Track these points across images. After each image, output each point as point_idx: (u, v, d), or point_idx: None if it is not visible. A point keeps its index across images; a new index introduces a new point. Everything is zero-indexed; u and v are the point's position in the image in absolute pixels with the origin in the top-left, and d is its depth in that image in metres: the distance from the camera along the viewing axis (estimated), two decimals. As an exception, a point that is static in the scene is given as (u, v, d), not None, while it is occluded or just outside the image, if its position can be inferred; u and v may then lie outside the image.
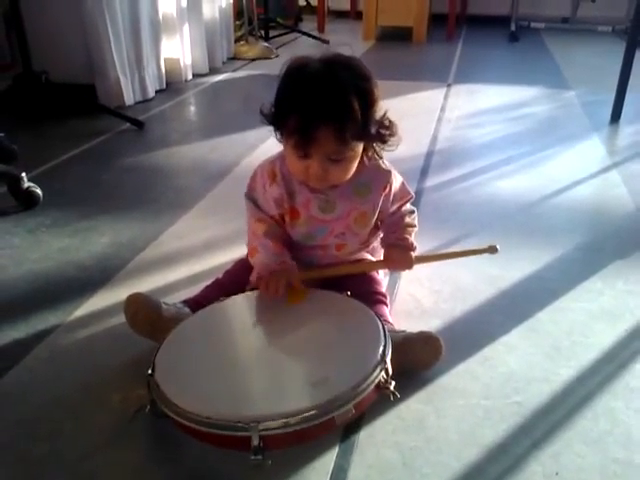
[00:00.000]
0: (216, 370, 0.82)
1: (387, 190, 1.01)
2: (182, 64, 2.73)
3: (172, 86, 2.69)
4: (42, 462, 0.79)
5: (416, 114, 2.34)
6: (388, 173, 1.01)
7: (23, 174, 1.50)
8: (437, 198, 1.61)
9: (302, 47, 3.68)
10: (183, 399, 0.76)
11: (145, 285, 1.17)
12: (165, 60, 2.62)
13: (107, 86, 2.29)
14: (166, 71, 2.63)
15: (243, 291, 1.00)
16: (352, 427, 0.84)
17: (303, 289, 0.97)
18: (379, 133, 0.93)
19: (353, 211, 0.99)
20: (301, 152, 0.89)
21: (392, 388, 0.80)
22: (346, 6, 4.81)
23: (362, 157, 0.96)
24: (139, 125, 2.14)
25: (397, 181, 1.03)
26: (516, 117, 2.34)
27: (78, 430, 0.84)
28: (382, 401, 0.83)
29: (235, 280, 1.05)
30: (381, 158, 1.00)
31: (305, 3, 4.62)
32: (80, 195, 1.61)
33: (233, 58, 3.32)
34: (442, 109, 2.42)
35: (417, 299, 1.15)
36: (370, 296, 1.01)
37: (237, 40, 3.46)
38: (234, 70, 3.09)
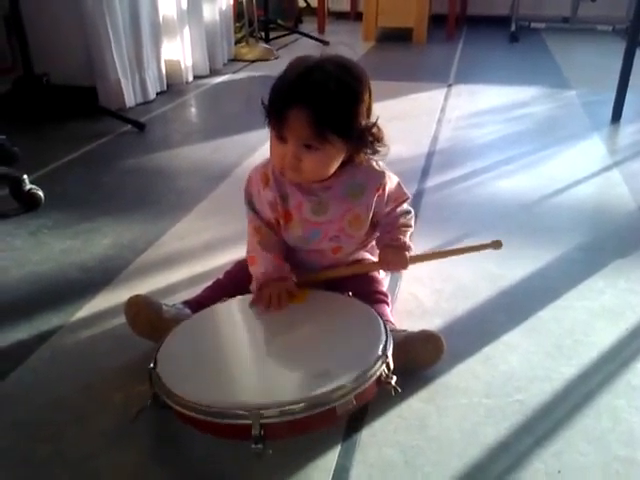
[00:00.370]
0: (217, 362, 0.83)
1: (381, 191, 1.00)
2: (183, 66, 2.74)
3: (173, 88, 2.69)
4: (45, 463, 0.79)
5: (417, 115, 2.35)
6: (382, 174, 1.00)
7: (25, 176, 1.50)
8: (438, 198, 1.61)
9: (302, 48, 3.68)
10: (184, 389, 0.77)
11: (146, 286, 1.17)
12: (166, 62, 2.62)
13: (108, 88, 2.30)
14: (167, 73, 2.64)
15: (244, 292, 1.00)
16: (354, 426, 0.84)
17: (304, 290, 0.97)
18: (363, 136, 0.92)
19: (346, 213, 0.99)
20: (277, 134, 0.90)
21: (393, 383, 0.80)
22: (346, 7, 4.82)
23: (351, 160, 0.95)
24: (140, 127, 2.14)
25: (392, 182, 1.02)
26: (517, 117, 2.34)
27: (81, 431, 0.84)
28: (384, 399, 0.83)
29: (236, 281, 1.05)
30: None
31: (305, 4, 4.63)
32: (81, 197, 1.62)
33: (233, 60, 3.32)
34: (443, 109, 2.42)
35: (418, 298, 1.15)
36: (371, 296, 1.01)
37: (237, 42, 3.47)
38: (234, 72, 3.09)
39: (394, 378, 0.80)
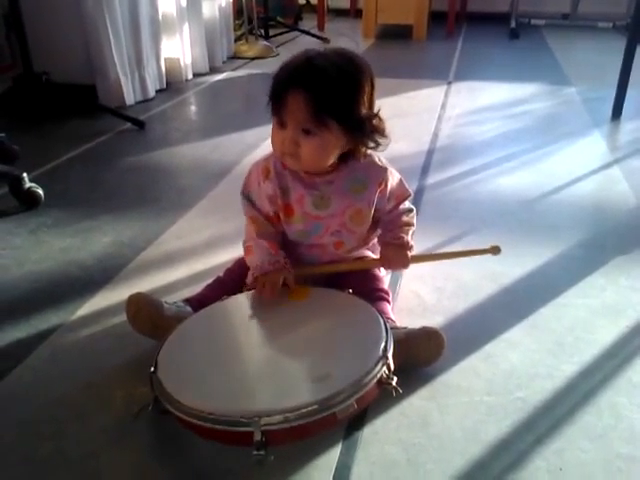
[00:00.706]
0: (218, 366, 0.82)
1: (382, 187, 1.00)
2: (182, 63, 2.73)
3: (172, 86, 2.69)
4: (46, 461, 0.79)
5: (417, 112, 2.34)
6: (384, 170, 1.00)
7: (24, 174, 1.50)
8: (438, 195, 1.61)
9: (302, 46, 3.63)
10: (185, 395, 0.77)
11: (147, 284, 1.17)
12: (165, 60, 2.62)
13: (107, 86, 2.29)
14: (166, 71, 2.63)
15: (244, 289, 1.00)
16: (356, 424, 0.84)
17: (305, 287, 0.97)
18: (364, 126, 0.92)
19: (348, 208, 0.99)
20: (278, 119, 0.91)
21: (394, 384, 0.80)
22: (346, 4, 4.81)
23: (353, 155, 0.95)
24: (140, 125, 2.14)
25: (394, 178, 1.02)
26: (517, 114, 2.34)
27: (82, 429, 0.84)
28: (385, 398, 0.83)
29: (236, 278, 1.05)
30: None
31: (305, 1, 4.61)
32: (81, 195, 1.61)
33: (233, 57, 3.31)
34: (443, 107, 2.42)
35: (419, 296, 1.15)
36: (372, 293, 1.01)
37: (237, 39, 3.46)
38: (234, 69, 3.09)
39: (395, 379, 0.80)
